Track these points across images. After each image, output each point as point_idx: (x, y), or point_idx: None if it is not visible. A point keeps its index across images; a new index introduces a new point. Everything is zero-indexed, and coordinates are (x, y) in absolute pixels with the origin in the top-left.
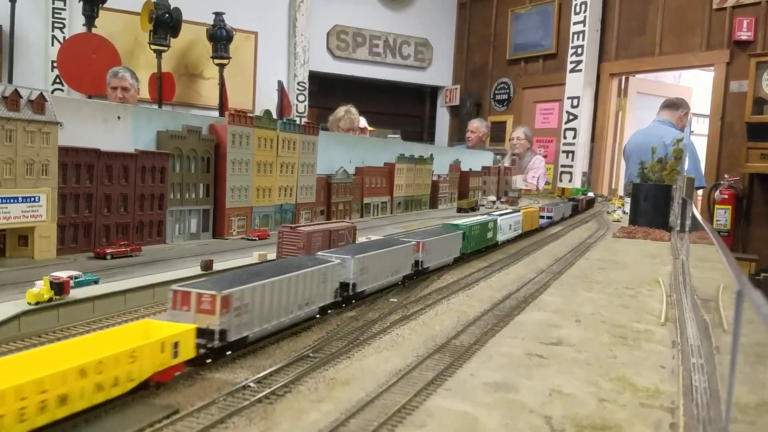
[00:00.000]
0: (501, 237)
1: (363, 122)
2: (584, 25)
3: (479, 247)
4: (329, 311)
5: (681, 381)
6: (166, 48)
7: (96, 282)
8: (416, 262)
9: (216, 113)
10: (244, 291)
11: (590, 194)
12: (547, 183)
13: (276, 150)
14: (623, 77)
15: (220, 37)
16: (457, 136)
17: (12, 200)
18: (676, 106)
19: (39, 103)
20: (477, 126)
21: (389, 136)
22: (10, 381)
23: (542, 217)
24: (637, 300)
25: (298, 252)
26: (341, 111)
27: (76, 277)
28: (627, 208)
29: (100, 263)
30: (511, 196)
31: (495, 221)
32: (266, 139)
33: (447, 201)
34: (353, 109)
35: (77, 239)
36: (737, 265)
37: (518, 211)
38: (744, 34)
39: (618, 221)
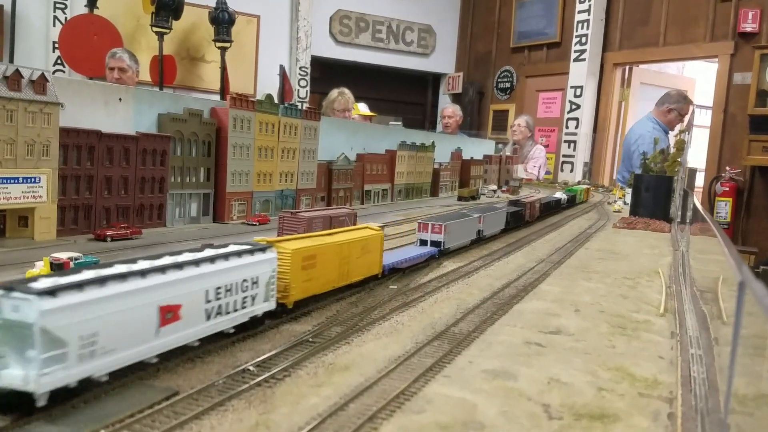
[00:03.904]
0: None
1: (364, 108)
2: (589, 14)
3: None
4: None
5: (679, 371)
6: (167, 30)
7: (96, 264)
8: None
9: (217, 97)
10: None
11: (561, 195)
12: (548, 173)
13: (277, 135)
14: (627, 67)
15: (222, 20)
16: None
17: (12, 180)
18: (661, 101)
19: (40, 84)
20: (453, 111)
21: (391, 123)
22: None
23: (423, 242)
24: (637, 290)
25: None
26: (335, 93)
27: (76, 259)
28: (628, 199)
29: (100, 245)
30: (512, 185)
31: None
32: (268, 124)
33: (448, 189)
34: (347, 91)
35: (77, 221)
36: (739, 256)
37: (258, 250)
38: (749, 26)
39: (618, 212)
